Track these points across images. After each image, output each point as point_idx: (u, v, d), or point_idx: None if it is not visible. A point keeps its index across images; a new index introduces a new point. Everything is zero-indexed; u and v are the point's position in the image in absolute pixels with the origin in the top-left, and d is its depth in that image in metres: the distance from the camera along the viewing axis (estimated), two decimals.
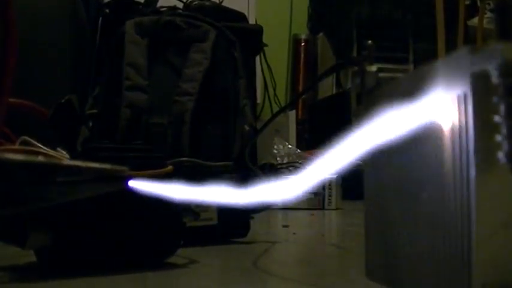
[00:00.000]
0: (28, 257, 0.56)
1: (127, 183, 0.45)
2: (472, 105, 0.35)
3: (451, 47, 1.98)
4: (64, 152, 0.59)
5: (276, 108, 2.87)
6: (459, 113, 0.37)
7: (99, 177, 0.39)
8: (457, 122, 0.37)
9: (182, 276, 0.57)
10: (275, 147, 2.19)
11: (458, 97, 0.36)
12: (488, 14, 2.30)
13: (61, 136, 0.81)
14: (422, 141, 0.42)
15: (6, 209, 0.39)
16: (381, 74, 0.49)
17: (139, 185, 0.52)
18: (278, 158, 2.15)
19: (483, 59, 0.34)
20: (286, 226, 1.05)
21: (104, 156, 0.50)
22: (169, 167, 0.60)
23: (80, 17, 1.93)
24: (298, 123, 2.85)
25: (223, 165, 0.85)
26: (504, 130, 0.34)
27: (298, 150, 2.23)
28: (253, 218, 0.85)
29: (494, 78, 0.34)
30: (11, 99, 0.63)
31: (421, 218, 0.41)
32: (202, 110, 1.40)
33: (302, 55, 3.22)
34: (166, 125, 1.34)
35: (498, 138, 0.34)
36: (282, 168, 2.07)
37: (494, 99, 0.34)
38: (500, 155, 0.34)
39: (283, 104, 2.93)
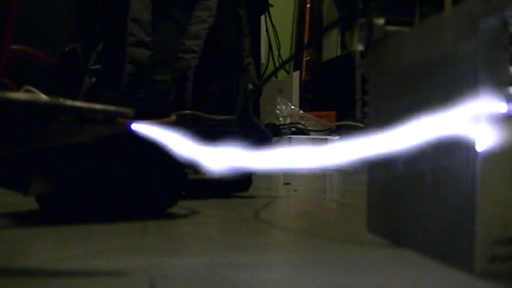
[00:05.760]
0: (30, 204, 0.56)
1: (130, 126, 0.44)
2: (482, 59, 0.35)
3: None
4: None
5: (280, 69, 2.85)
6: (467, 69, 0.36)
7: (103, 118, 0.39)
8: (464, 77, 0.36)
9: (183, 225, 0.57)
10: (278, 107, 2.18)
11: (467, 51, 0.36)
12: None
13: (64, 85, 0.81)
14: (427, 100, 0.41)
15: (8, 149, 0.39)
16: (388, 28, 0.48)
17: (143, 132, 0.52)
18: (281, 119, 2.14)
19: (495, 8, 0.34)
20: (287, 184, 1.05)
21: (108, 102, 0.50)
22: (173, 117, 0.60)
23: None
24: (301, 84, 2.83)
25: (226, 119, 0.84)
26: None
27: (301, 111, 2.22)
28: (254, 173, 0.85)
29: (510, 27, 0.33)
30: (15, 46, 0.63)
31: (425, 172, 0.41)
32: (205, 67, 1.39)
33: (307, 16, 3.18)
34: (169, 82, 1.34)
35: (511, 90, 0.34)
36: (284, 129, 2.07)
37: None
38: None
39: (288, 65, 2.91)
